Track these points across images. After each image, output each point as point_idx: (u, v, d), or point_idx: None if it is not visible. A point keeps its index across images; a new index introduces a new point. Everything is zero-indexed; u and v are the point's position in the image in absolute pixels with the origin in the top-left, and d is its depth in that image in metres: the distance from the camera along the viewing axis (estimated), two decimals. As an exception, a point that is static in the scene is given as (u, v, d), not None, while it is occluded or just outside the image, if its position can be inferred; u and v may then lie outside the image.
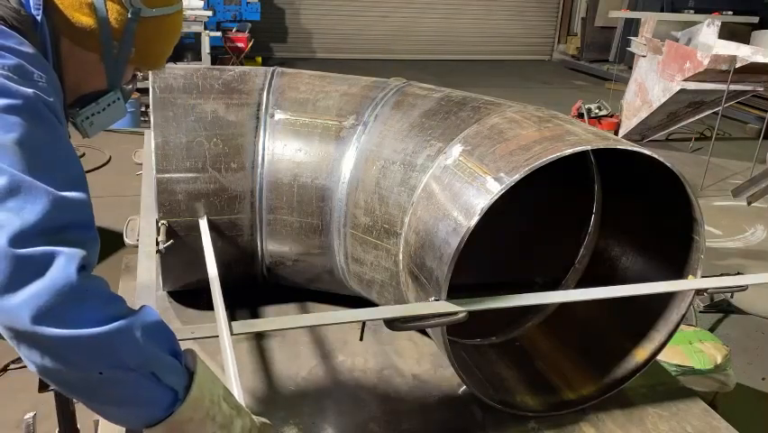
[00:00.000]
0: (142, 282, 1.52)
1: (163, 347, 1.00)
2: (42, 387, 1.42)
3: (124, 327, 0.92)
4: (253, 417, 1.16)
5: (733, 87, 6.49)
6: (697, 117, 7.53)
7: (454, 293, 1.46)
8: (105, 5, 1.18)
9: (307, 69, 2.24)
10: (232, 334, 1.34)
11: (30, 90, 0.95)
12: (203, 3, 8.47)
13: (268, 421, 1.21)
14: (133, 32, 1.23)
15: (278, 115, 1.92)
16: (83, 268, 0.90)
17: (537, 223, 2.08)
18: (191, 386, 1.03)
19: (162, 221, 1.82)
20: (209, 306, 2.05)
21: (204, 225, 1.82)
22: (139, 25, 1.23)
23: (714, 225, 5.49)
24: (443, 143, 1.66)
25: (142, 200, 2.00)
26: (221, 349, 1.31)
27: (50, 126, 0.97)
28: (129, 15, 1.20)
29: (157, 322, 1.00)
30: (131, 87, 1.38)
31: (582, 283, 2.03)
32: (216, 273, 1.59)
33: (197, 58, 8.44)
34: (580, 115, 7.82)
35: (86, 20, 1.17)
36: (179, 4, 1.32)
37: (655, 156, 1.50)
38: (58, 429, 1.86)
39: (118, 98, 1.32)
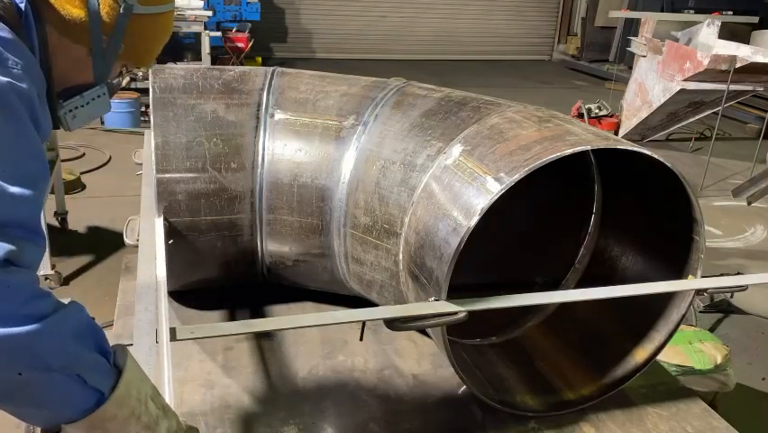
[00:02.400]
0: (142, 282, 1.52)
1: (90, 347, 0.96)
2: None
3: (47, 327, 0.87)
4: (180, 420, 1.14)
5: (733, 87, 6.48)
6: (697, 117, 7.53)
7: (454, 293, 1.46)
8: None
9: (307, 69, 2.24)
10: (174, 339, 1.31)
11: (4, 79, 0.93)
12: (203, 3, 8.46)
13: (195, 427, 1.20)
14: (124, 28, 1.21)
15: (278, 115, 1.92)
16: (6, 262, 0.86)
17: (537, 223, 2.08)
18: (118, 384, 0.99)
19: (162, 221, 1.81)
20: (209, 306, 2.06)
21: (159, 223, 1.80)
22: (130, 21, 1.22)
23: (714, 225, 5.48)
24: (443, 143, 1.66)
25: (142, 200, 2.00)
26: (159, 353, 1.27)
27: (15, 118, 0.94)
28: (121, 10, 1.19)
29: (83, 320, 0.96)
30: (117, 81, 1.36)
31: (582, 283, 2.03)
32: (165, 276, 1.54)
33: (197, 58, 8.43)
34: (580, 115, 7.81)
35: (76, 12, 1.16)
36: (172, 3, 1.31)
37: (655, 156, 1.50)
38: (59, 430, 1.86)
39: (104, 93, 1.30)
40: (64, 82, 1.24)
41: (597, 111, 8.00)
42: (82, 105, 1.28)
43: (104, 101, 1.31)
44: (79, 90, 1.26)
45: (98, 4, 1.17)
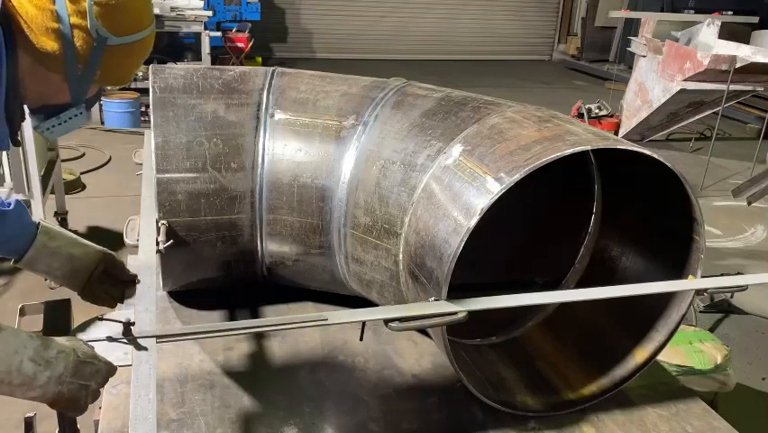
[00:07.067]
0: (142, 282, 1.52)
1: None
2: None
3: None
4: (76, 358, 1.19)
5: (733, 87, 6.49)
6: (697, 117, 7.53)
7: (454, 293, 1.46)
8: (72, 32, 1.17)
9: (307, 69, 2.24)
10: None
11: None
12: (203, 3, 8.47)
13: (95, 359, 1.25)
14: (99, 58, 1.23)
15: (279, 115, 1.92)
16: None
17: (537, 223, 2.08)
18: None
19: (162, 221, 1.81)
20: (209, 306, 2.06)
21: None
22: (105, 52, 1.23)
23: (714, 225, 5.49)
24: (444, 143, 1.66)
25: (142, 200, 2.00)
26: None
27: None
28: (95, 43, 1.20)
29: None
30: (98, 94, 1.39)
31: (582, 283, 2.03)
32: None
33: (197, 58, 8.44)
34: (580, 115, 7.81)
35: (50, 44, 1.17)
36: (149, 28, 1.30)
37: (655, 156, 1.50)
38: (58, 430, 1.86)
39: (81, 112, 1.33)
40: (41, 101, 1.28)
41: (597, 111, 8.01)
42: (59, 124, 1.33)
43: (81, 117, 1.34)
44: (56, 111, 1.30)
45: (72, 38, 1.18)
